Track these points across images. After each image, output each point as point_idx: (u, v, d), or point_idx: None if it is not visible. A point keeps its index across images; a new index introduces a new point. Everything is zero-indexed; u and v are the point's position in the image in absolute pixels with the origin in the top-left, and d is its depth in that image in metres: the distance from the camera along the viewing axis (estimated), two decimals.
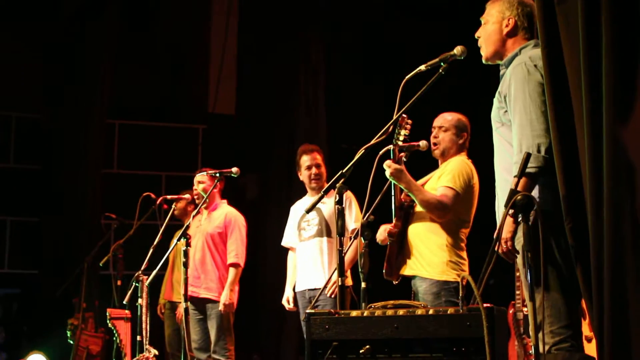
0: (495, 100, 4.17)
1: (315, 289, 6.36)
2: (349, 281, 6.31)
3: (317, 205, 4.43)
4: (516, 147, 3.90)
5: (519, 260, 3.93)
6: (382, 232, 5.34)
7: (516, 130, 3.93)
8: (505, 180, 4.02)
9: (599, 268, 3.55)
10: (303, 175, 6.63)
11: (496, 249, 3.82)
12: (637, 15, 3.45)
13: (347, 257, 5.80)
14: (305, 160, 6.60)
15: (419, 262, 5.27)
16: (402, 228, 5.34)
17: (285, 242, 6.81)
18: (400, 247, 5.34)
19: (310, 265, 6.43)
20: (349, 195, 6.34)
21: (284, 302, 6.60)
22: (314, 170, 6.54)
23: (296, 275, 6.59)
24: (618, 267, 3.48)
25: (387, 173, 5.09)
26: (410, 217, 5.35)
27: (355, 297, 5.35)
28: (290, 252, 6.80)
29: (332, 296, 6.13)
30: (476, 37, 4.33)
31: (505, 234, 3.79)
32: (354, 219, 6.35)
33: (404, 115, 4.96)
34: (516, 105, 3.94)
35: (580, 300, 3.98)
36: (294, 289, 6.56)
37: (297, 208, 6.79)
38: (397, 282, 5.39)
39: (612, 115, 3.44)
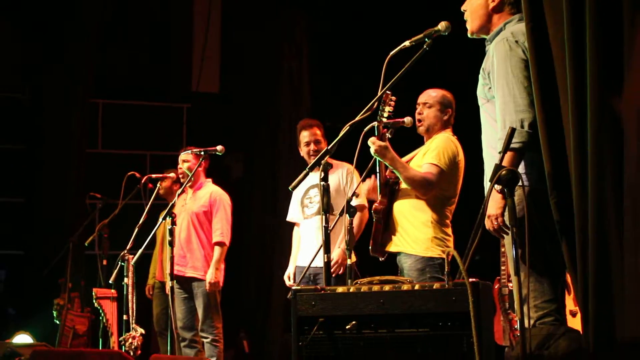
0: (480, 77, 4.17)
1: (317, 267, 6.34)
2: (353, 257, 6.26)
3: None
4: (500, 123, 3.91)
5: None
6: (366, 191, 5.37)
7: (499, 106, 3.93)
8: (490, 156, 4.03)
9: (584, 242, 3.57)
10: (303, 151, 6.55)
11: (487, 226, 3.83)
12: None
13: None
14: (304, 135, 6.52)
15: (403, 238, 5.28)
16: (388, 205, 5.35)
17: (289, 218, 6.75)
18: (386, 224, 5.35)
19: (311, 243, 6.37)
20: (350, 171, 6.30)
21: (285, 277, 6.57)
22: (312, 146, 6.46)
23: (299, 251, 6.57)
24: (602, 242, 3.50)
25: (372, 150, 5.08)
26: (395, 194, 5.36)
27: (359, 273, 5.35)
28: (295, 227, 6.76)
29: (334, 275, 6.10)
30: (462, 10, 4.32)
31: (495, 210, 3.79)
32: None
33: (388, 92, 4.95)
34: (499, 82, 3.94)
35: (564, 275, 4.00)
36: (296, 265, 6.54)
37: (301, 184, 6.72)
38: (383, 258, 5.41)
39: (596, 86, 3.45)
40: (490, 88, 4.06)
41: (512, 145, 3.77)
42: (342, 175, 6.34)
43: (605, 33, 3.46)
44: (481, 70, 4.14)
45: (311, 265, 6.32)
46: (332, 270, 6.09)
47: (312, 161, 6.45)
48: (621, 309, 3.46)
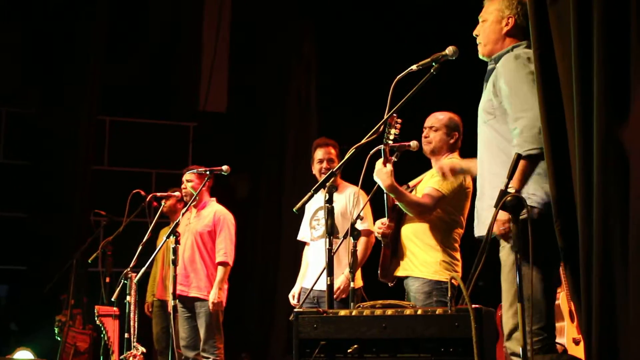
0: (486, 93, 4.17)
1: (321, 289, 6.33)
2: (359, 282, 6.23)
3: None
4: (514, 131, 3.91)
5: (504, 256, 3.96)
6: (379, 226, 5.34)
7: (514, 116, 3.94)
8: (494, 174, 4.01)
9: (588, 270, 3.56)
10: (315, 169, 6.54)
11: (495, 231, 3.80)
12: (628, 14, 3.45)
13: (358, 257, 5.75)
14: (318, 154, 6.51)
15: (412, 262, 5.26)
16: (395, 229, 5.33)
17: (300, 237, 6.76)
18: (394, 249, 5.33)
19: (319, 266, 6.34)
20: (357, 193, 6.28)
21: (289, 296, 6.56)
22: (325, 164, 6.44)
23: (305, 272, 6.56)
24: (607, 269, 3.49)
25: (374, 173, 5.06)
26: (402, 218, 5.35)
27: (366, 297, 5.33)
28: (305, 247, 6.74)
29: (338, 299, 6.08)
30: (474, 35, 4.34)
31: (506, 215, 3.75)
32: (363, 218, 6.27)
33: (394, 115, 4.95)
34: (512, 94, 3.96)
35: (554, 303, 4.01)
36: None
37: (310, 203, 6.73)
38: (392, 284, 5.38)
39: (603, 115, 3.45)
40: (500, 103, 4.06)
41: (529, 152, 3.80)
42: (349, 197, 6.33)
43: (612, 61, 3.46)
44: (489, 86, 4.14)
45: (315, 288, 6.34)
46: (334, 296, 6.08)
47: (322, 179, 6.49)
48: (625, 338, 3.44)
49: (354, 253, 4.94)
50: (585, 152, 3.55)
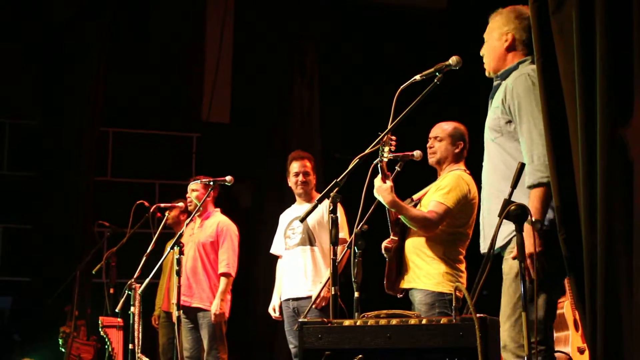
0: (494, 110, 4.15)
1: (298, 298, 6.38)
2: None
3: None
4: (527, 157, 3.91)
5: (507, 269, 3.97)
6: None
7: (526, 141, 3.95)
8: (501, 191, 4.00)
9: (593, 278, 3.55)
10: (291, 182, 6.68)
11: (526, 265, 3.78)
12: (630, 24, 3.46)
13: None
14: (294, 167, 6.65)
15: (415, 274, 5.25)
16: (399, 243, 5.32)
17: (273, 250, 6.85)
18: (399, 263, 5.33)
19: (293, 274, 6.47)
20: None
21: (270, 310, 6.62)
22: (300, 177, 6.59)
23: (282, 283, 6.61)
24: (611, 277, 3.48)
25: (374, 190, 5.04)
26: (406, 232, 5.34)
27: (344, 306, 5.33)
28: (279, 260, 6.81)
29: (318, 308, 6.14)
30: (481, 54, 4.37)
31: (533, 249, 3.75)
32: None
33: (388, 134, 4.93)
34: (524, 116, 3.96)
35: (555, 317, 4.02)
36: (281, 297, 6.58)
37: (286, 216, 6.80)
38: (401, 295, 5.37)
39: (607, 121, 3.45)
40: (508, 122, 4.06)
41: (542, 180, 3.81)
42: (326, 208, 6.35)
43: (615, 69, 3.47)
44: (498, 104, 4.12)
45: (294, 297, 6.38)
46: (316, 304, 6.12)
47: (298, 191, 6.58)
48: (630, 345, 3.44)
49: (357, 264, 4.91)
50: (588, 159, 3.55)
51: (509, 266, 3.98)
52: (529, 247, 3.71)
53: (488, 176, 4.22)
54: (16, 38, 10.47)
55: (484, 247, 4.22)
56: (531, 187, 3.86)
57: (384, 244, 5.30)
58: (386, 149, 4.95)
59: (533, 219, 3.69)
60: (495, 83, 4.27)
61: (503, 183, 4.02)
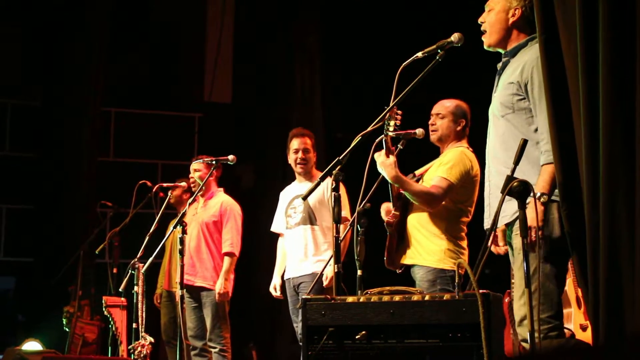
0: (507, 87, 4.11)
1: (300, 277, 6.39)
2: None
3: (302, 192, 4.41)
4: (546, 135, 3.91)
5: (518, 244, 3.96)
6: (385, 211, 5.33)
7: (544, 121, 3.93)
8: (509, 167, 4.00)
9: (595, 255, 3.56)
10: (290, 159, 6.67)
11: (530, 239, 3.78)
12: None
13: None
14: (294, 144, 6.64)
15: (417, 250, 5.25)
16: (401, 218, 5.32)
17: (274, 228, 6.85)
18: (400, 237, 5.33)
19: (295, 254, 6.46)
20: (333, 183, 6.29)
21: (270, 289, 6.62)
22: (300, 154, 6.58)
23: (284, 262, 6.61)
24: (614, 255, 3.49)
25: (377, 164, 5.04)
26: (408, 207, 5.33)
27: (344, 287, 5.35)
28: (280, 238, 6.80)
29: (327, 287, 6.14)
30: (479, 22, 4.32)
31: (536, 222, 3.74)
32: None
33: (394, 107, 4.93)
34: (543, 96, 3.93)
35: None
36: (282, 276, 6.58)
37: (286, 193, 6.79)
38: (400, 271, 5.37)
39: (609, 97, 3.45)
40: (522, 99, 4.04)
41: None
42: (327, 186, 6.35)
43: (618, 45, 3.46)
44: (513, 80, 4.09)
45: (293, 276, 6.39)
46: (326, 284, 6.13)
47: (297, 169, 6.58)
48: (632, 322, 3.45)
49: (359, 242, 4.91)
50: (591, 135, 3.55)
51: (519, 241, 3.99)
52: (533, 221, 3.71)
53: (495, 151, 4.20)
54: (17, 18, 10.44)
55: (488, 223, 4.22)
56: (545, 164, 3.86)
57: (386, 217, 5.29)
58: (392, 122, 4.94)
59: (538, 193, 3.69)
60: (504, 60, 4.24)
61: (510, 159, 4.01)
